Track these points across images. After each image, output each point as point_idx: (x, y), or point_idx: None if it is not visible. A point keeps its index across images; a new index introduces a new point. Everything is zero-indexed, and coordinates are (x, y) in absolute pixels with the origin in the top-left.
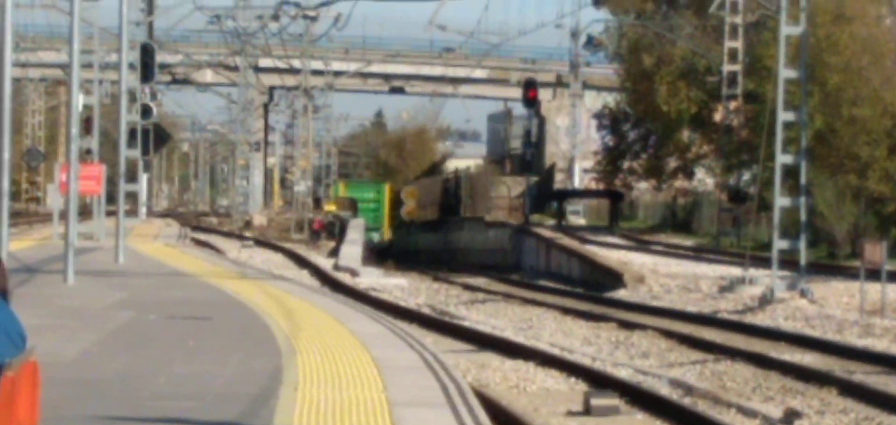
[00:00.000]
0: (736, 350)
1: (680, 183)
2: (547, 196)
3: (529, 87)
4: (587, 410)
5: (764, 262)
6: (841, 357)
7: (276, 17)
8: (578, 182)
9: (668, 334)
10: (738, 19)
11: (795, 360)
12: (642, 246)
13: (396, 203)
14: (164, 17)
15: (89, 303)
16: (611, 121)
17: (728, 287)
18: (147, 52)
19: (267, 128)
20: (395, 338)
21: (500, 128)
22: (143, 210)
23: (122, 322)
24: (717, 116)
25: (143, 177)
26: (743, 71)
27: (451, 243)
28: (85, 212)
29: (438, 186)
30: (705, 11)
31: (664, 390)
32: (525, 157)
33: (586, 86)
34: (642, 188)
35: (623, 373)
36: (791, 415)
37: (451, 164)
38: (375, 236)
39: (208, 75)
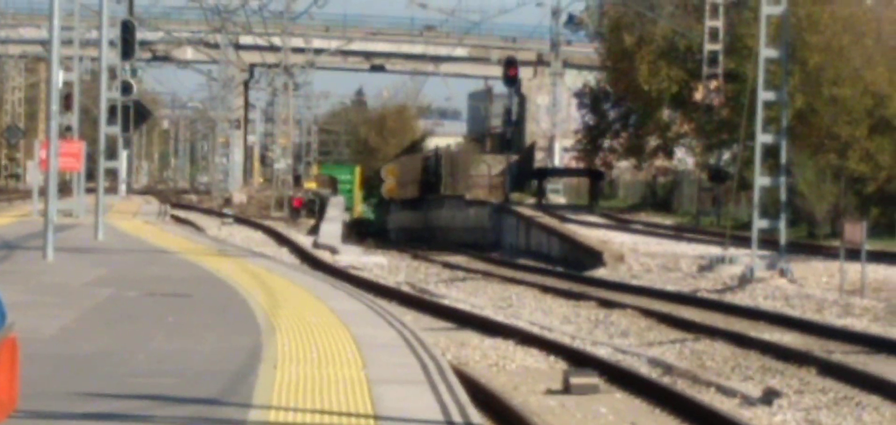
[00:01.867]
0: (715, 329)
1: (660, 162)
2: (527, 174)
3: (510, 65)
4: (566, 388)
5: (744, 242)
6: (820, 336)
7: None
8: (558, 160)
9: (648, 313)
10: None
11: (775, 340)
12: (622, 225)
13: (366, 183)
14: None
15: (69, 279)
16: (591, 99)
17: (708, 266)
18: (127, 29)
19: (247, 106)
20: (374, 316)
21: (480, 106)
22: (122, 187)
23: (102, 298)
24: (698, 95)
25: (123, 154)
26: (723, 50)
27: (432, 221)
28: (65, 189)
29: (419, 164)
30: None
31: (643, 369)
32: (505, 136)
33: (567, 65)
34: (622, 167)
35: (602, 352)
36: (770, 394)
37: (432, 143)
38: (346, 215)
39: (189, 52)
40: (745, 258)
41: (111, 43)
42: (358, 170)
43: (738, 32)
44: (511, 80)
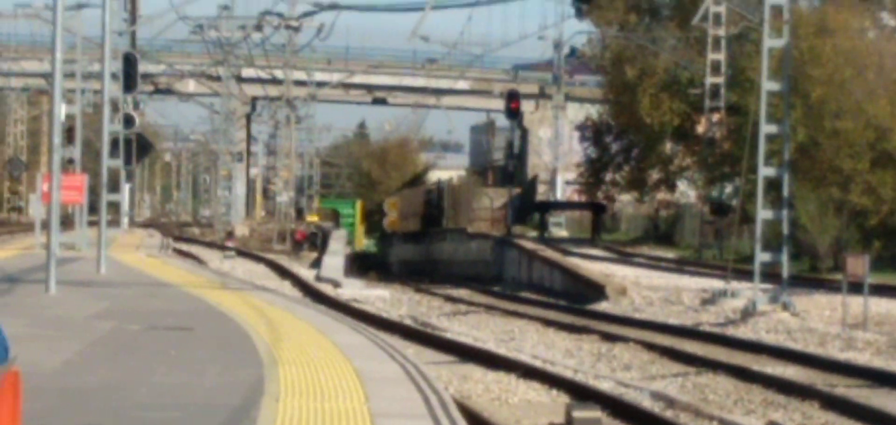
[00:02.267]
0: (718, 362)
1: (662, 195)
2: (529, 207)
3: (512, 98)
4: (569, 422)
5: (746, 275)
6: (823, 370)
7: (258, 28)
8: (561, 194)
9: (650, 346)
10: (721, 32)
11: (777, 373)
12: (624, 258)
13: (369, 217)
14: (146, 26)
15: (71, 312)
16: (593, 132)
17: (710, 299)
18: (130, 62)
19: (249, 139)
20: (376, 350)
21: (482, 139)
22: (125, 220)
23: (104, 332)
24: (700, 128)
25: (126, 187)
26: (726, 83)
27: (434, 254)
28: (67, 222)
29: (421, 197)
30: (688, 24)
31: (646, 403)
32: (507, 169)
33: (569, 98)
34: (625, 200)
35: (605, 386)
36: None
37: (434, 175)
38: (349, 248)
39: (191, 85)
40: (747, 291)
41: (113, 76)
42: (360, 203)
43: (740, 65)
44: (513, 113)
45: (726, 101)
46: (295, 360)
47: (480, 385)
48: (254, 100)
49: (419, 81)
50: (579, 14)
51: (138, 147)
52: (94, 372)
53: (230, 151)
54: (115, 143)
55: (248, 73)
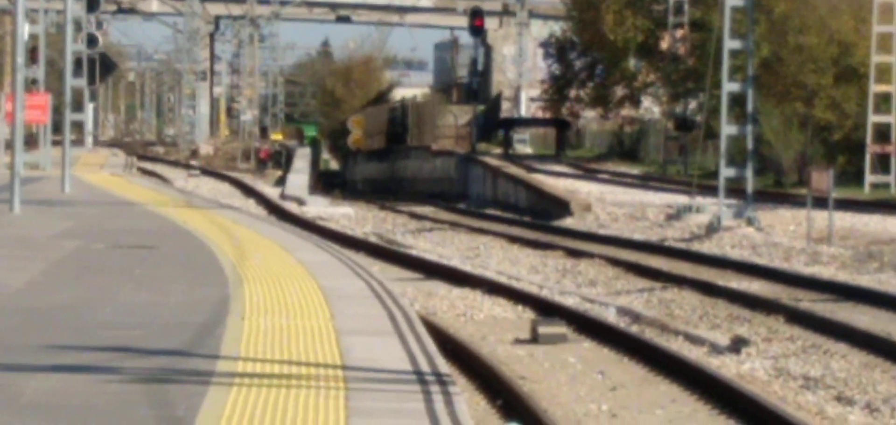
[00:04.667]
0: (683, 278)
1: (626, 111)
2: (494, 125)
3: (476, 15)
4: (535, 338)
5: (711, 191)
6: (788, 284)
7: None
8: (525, 111)
9: (615, 262)
10: None
11: (742, 288)
12: (589, 174)
13: (332, 135)
14: None
15: (35, 232)
16: (557, 49)
17: (675, 215)
18: None
19: (213, 58)
20: (342, 267)
21: (446, 57)
22: (89, 139)
23: (69, 251)
24: (664, 45)
25: (89, 107)
26: None
27: (398, 172)
28: (31, 142)
29: (385, 115)
30: None
31: (611, 318)
32: (471, 86)
33: (532, 14)
34: (589, 117)
35: (570, 301)
36: (738, 343)
37: (398, 94)
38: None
39: (154, 4)
40: (712, 207)
41: None
42: (315, 127)
43: None
44: (477, 31)
45: (690, 16)
46: (260, 278)
47: (446, 301)
48: (217, 19)
49: None
50: None
51: (102, 66)
52: (59, 291)
53: (194, 70)
54: (78, 63)
55: None
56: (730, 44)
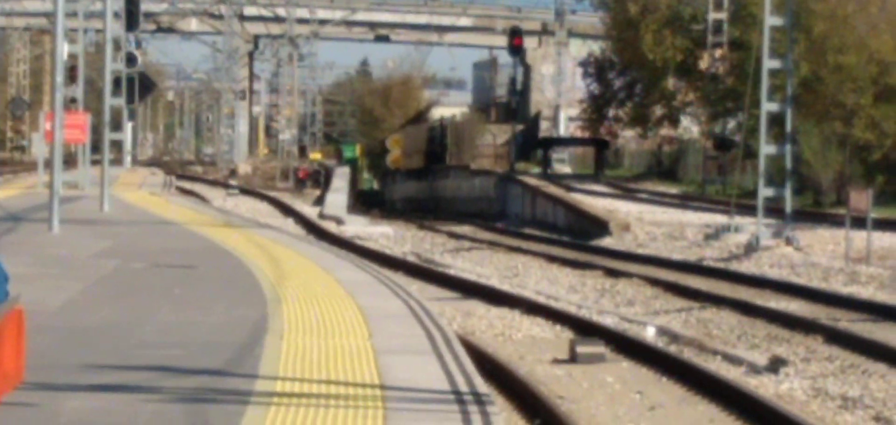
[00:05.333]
0: (721, 297)
1: (665, 131)
2: (532, 144)
3: (515, 34)
4: (573, 358)
5: (749, 210)
6: (826, 304)
7: None
8: (564, 130)
9: (654, 282)
10: None
11: (781, 308)
12: (628, 194)
13: (371, 154)
14: None
15: (75, 251)
16: (596, 69)
17: (713, 235)
18: (132, 1)
19: (252, 77)
20: (380, 286)
21: (485, 76)
22: (127, 158)
23: (108, 270)
24: (703, 64)
25: (128, 126)
26: (728, 18)
27: (437, 191)
28: (70, 161)
29: (424, 134)
30: None
31: (650, 337)
32: (510, 105)
33: (571, 34)
34: (628, 136)
35: (609, 321)
36: (776, 363)
37: (437, 113)
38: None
39: (193, 23)
40: (750, 226)
41: (116, 14)
42: (358, 146)
43: (742, 1)
44: (516, 50)
45: (729, 36)
46: (299, 297)
47: (484, 321)
48: (256, 37)
49: (422, 18)
50: None
51: (141, 86)
52: (98, 310)
53: (233, 89)
54: (117, 82)
55: (250, 10)
56: (769, 63)
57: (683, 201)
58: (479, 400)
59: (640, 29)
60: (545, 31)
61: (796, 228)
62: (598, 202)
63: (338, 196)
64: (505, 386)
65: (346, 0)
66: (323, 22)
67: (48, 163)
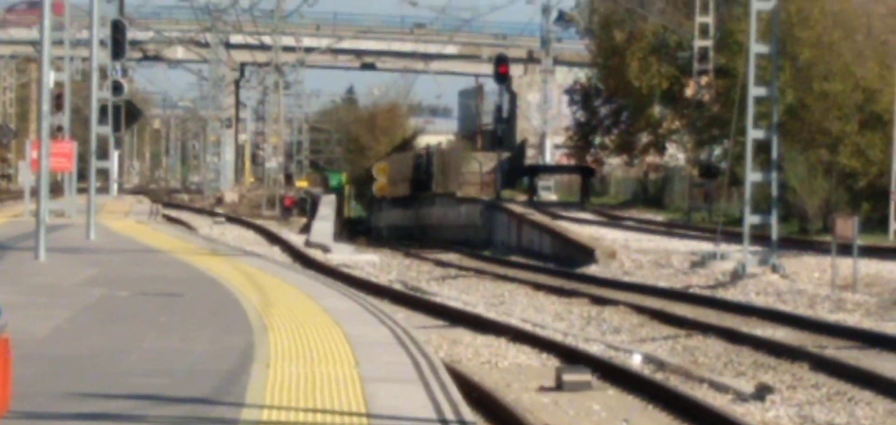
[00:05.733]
0: (708, 325)
1: (651, 158)
2: (518, 171)
3: (500, 62)
4: (559, 385)
5: (736, 237)
6: (813, 332)
7: None
8: (550, 158)
9: (640, 309)
10: None
11: (767, 335)
12: (614, 221)
13: (357, 182)
14: None
15: (61, 279)
16: (582, 96)
17: (700, 262)
18: (118, 29)
19: (238, 105)
20: (366, 314)
21: (471, 103)
22: (114, 187)
23: (94, 298)
24: (689, 91)
25: (115, 154)
26: (714, 46)
27: (423, 219)
28: (56, 189)
29: (410, 162)
30: None
31: (636, 365)
32: (496, 133)
33: (557, 61)
34: (614, 163)
35: (595, 349)
36: (763, 390)
37: (423, 140)
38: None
39: (179, 52)
40: (736, 254)
41: (102, 43)
42: (344, 175)
43: (728, 28)
44: (502, 78)
45: (715, 63)
46: (285, 326)
47: (470, 349)
48: (242, 66)
49: (408, 46)
50: None
51: (127, 114)
52: (84, 338)
53: (219, 117)
54: (103, 110)
55: (236, 39)
56: (755, 90)
57: (669, 228)
58: None
59: (626, 56)
60: (531, 59)
61: (782, 256)
62: (584, 230)
63: (324, 224)
64: (491, 414)
65: (332, 28)
66: (309, 50)
67: (34, 192)
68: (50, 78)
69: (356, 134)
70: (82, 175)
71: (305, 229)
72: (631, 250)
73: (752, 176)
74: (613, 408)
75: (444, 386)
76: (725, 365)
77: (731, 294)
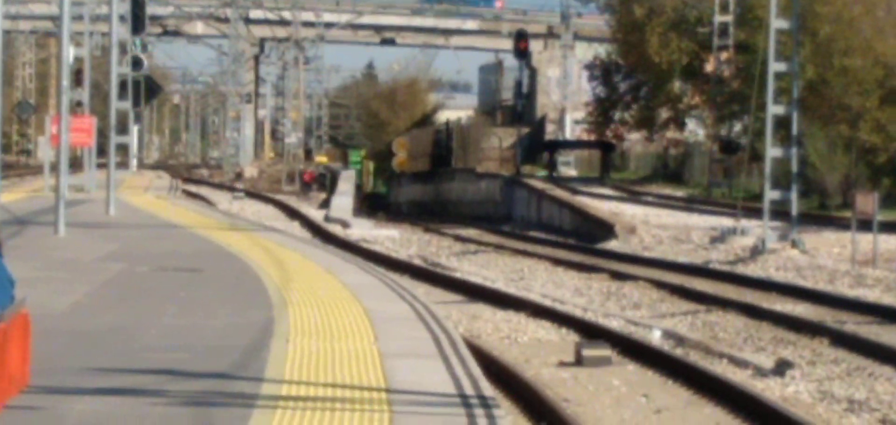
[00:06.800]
0: (727, 300)
1: (671, 133)
2: (538, 147)
3: (520, 38)
4: (579, 361)
5: (755, 213)
6: (832, 307)
7: None
8: (569, 133)
9: (660, 285)
10: None
11: (787, 311)
12: (633, 196)
13: (377, 157)
14: None
15: (80, 254)
16: (602, 72)
17: (719, 237)
18: (137, 4)
19: (257, 80)
20: (386, 290)
21: (491, 79)
22: (133, 162)
23: (114, 274)
24: (709, 67)
25: (134, 129)
26: (734, 21)
27: (443, 194)
28: (76, 165)
29: (429, 137)
30: None
31: (656, 340)
32: (516, 109)
33: (577, 37)
34: (633, 139)
35: (614, 324)
36: (783, 365)
37: (443, 116)
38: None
39: (199, 27)
40: (756, 229)
41: (121, 18)
42: (364, 151)
43: (748, 3)
44: (522, 53)
45: (735, 39)
46: (305, 301)
47: (490, 324)
48: (262, 41)
49: (428, 21)
50: None
51: (146, 89)
52: (104, 313)
53: (239, 93)
54: (123, 85)
55: (256, 14)
56: (775, 66)
57: (689, 204)
58: (485, 403)
59: (645, 32)
60: (551, 35)
61: (802, 231)
62: (603, 205)
63: (343, 199)
64: (511, 389)
65: (352, 3)
66: (329, 25)
67: (54, 167)
68: (69, 53)
69: (376, 109)
70: (102, 150)
71: (325, 204)
72: (651, 225)
73: (772, 151)
74: (633, 384)
75: (464, 361)
76: (745, 341)
77: (751, 269)
